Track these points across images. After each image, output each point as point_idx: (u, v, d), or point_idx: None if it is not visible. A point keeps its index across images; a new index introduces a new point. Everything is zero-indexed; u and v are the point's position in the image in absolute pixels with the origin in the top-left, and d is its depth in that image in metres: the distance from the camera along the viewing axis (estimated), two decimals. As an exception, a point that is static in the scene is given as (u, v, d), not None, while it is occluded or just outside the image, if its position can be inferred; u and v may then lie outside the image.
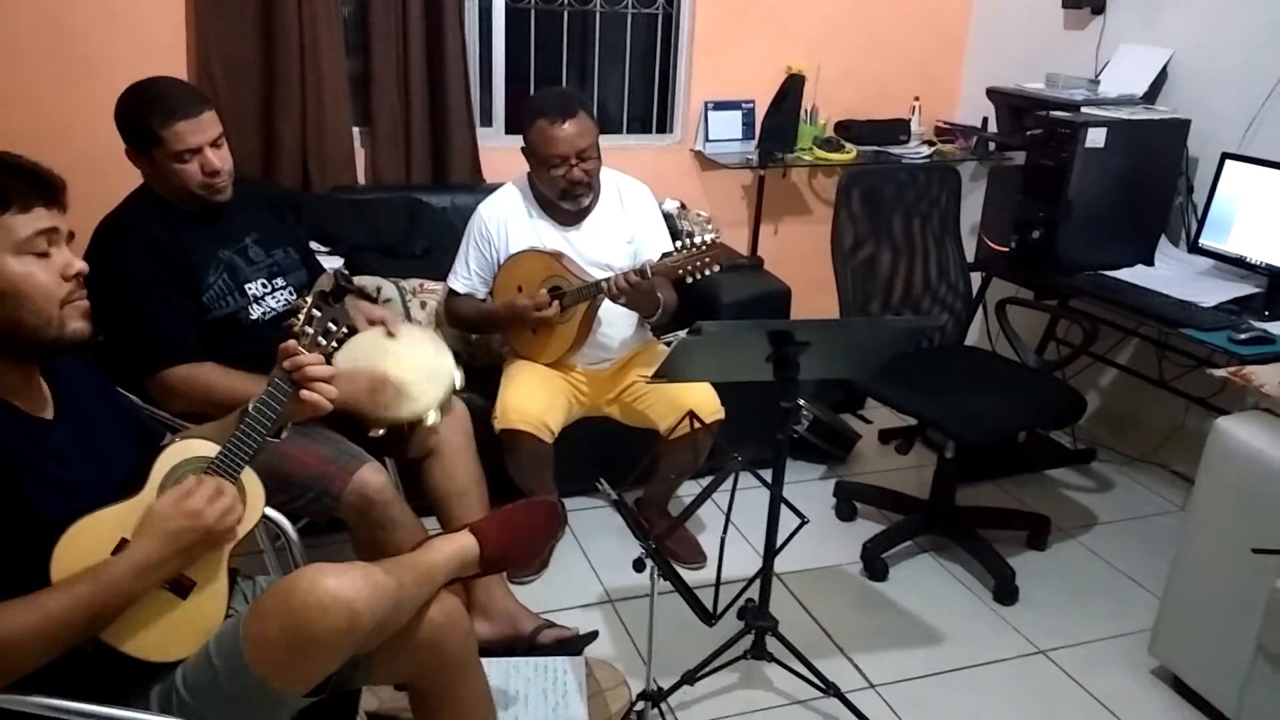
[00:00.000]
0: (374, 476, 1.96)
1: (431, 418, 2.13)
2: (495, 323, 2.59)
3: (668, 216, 2.77)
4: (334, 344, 1.55)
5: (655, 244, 2.55)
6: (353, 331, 2.16)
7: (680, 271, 2.27)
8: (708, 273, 2.26)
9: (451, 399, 2.22)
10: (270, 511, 1.80)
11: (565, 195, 2.45)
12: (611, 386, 2.61)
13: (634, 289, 2.30)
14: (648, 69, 3.66)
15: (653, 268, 2.29)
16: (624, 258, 2.55)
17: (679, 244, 2.27)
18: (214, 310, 2.00)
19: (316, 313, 1.53)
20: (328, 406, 1.49)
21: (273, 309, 2.09)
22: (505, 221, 2.53)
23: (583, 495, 2.86)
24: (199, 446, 1.46)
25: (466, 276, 2.58)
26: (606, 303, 2.42)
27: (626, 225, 2.57)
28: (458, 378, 2.20)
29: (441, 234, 3.00)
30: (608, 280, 2.34)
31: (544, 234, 2.52)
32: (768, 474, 1.96)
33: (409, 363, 2.15)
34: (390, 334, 2.19)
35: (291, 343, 1.49)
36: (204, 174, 1.95)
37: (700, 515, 2.75)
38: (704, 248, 2.24)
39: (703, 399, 2.43)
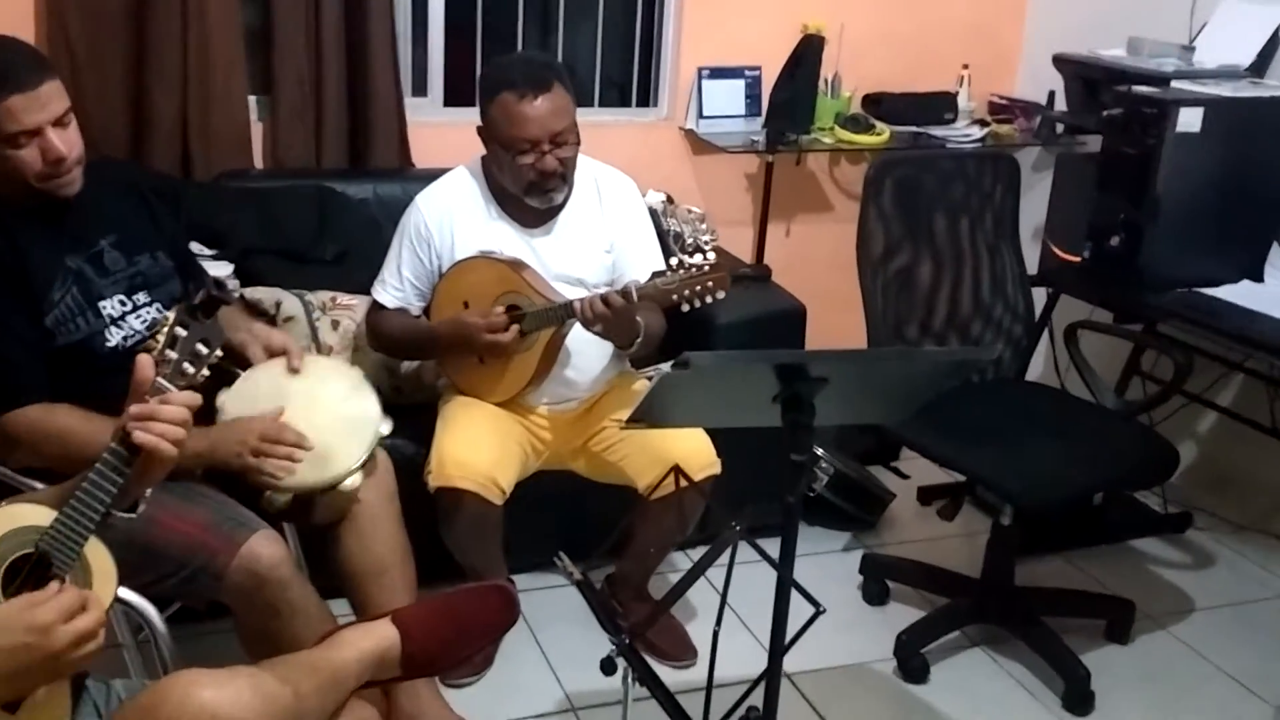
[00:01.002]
0: (267, 548, 1.94)
1: (351, 481, 2.12)
2: (433, 346, 2.58)
3: (650, 214, 2.78)
4: (204, 371, 1.53)
5: (642, 257, 2.57)
6: (234, 360, 2.15)
7: (675, 297, 2.27)
8: (708, 299, 2.26)
9: (376, 453, 2.20)
10: (128, 594, 1.79)
11: (533, 189, 2.45)
12: (579, 432, 2.60)
13: (614, 314, 2.30)
14: (627, 25, 3.68)
15: (640, 290, 2.29)
16: (600, 271, 2.55)
17: (675, 262, 2.27)
18: (60, 336, 1.98)
19: (181, 331, 1.51)
20: (169, 451, 1.46)
21: (136, 332, 2.08)
22: (450, 218, 2.53)
23: (537, 571, 2.84)
24: (29, 514, 1.44)
25: (398, 287, 2.57)
26: (576, 328, 2.42)
27: (606, 230, 2.57)
28: (383, 426, 2.18)
29: (360, 234, 3.00)
30: (581, 301, 2.34)
31: (501, 237, 2.52)
32: (774, 546, 1.96)
33: (320, 409, 2.13)
34: (294, 369, 2.17)
35: (146, 359, 1.48)
36: (45, 161, 1.93)
37: (690, 599, 2.73)
38: (706, 269, 2.24)
39: (693, 448, 2.42)
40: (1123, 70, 3.14)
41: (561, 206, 2.54)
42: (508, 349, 2.44)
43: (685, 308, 2.30)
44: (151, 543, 1.88)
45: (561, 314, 2.40)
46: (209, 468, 2.03)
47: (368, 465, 2.16)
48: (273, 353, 2.20)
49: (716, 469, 2.45)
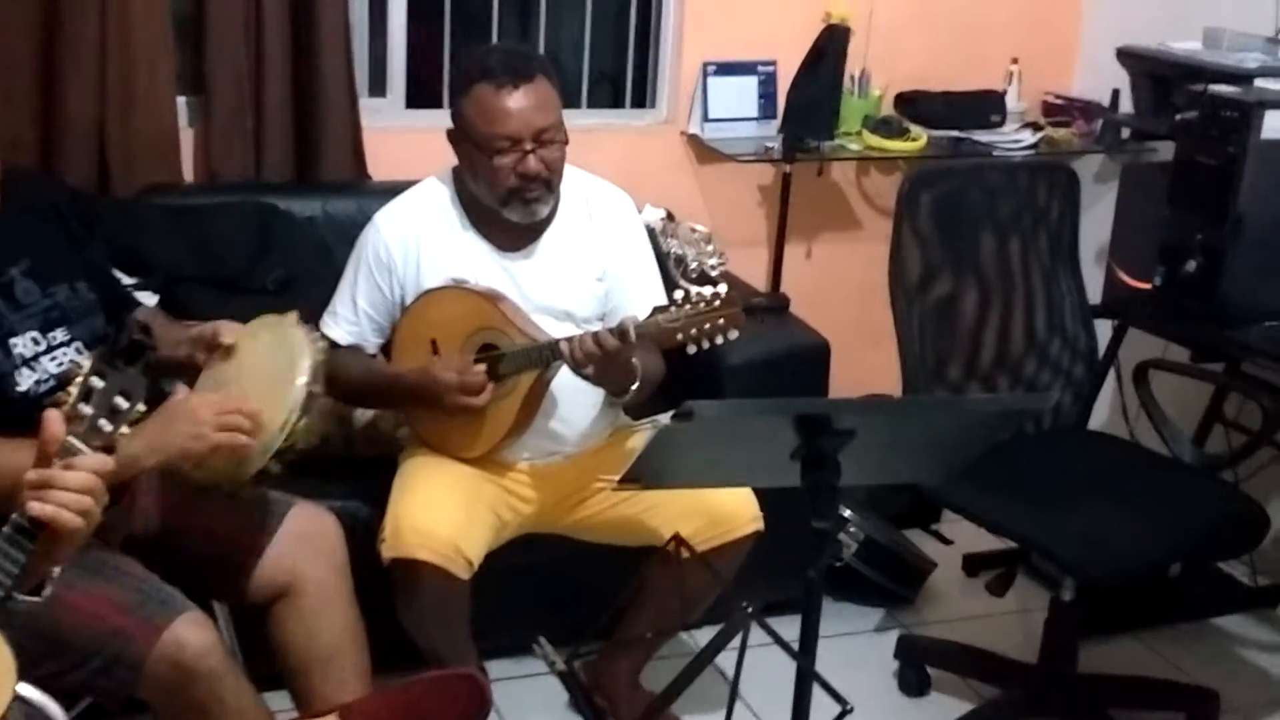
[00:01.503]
0: (194, 634, 1.93)
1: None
2: (394, 395, 2.59)
3: (648, 234, 2.79)
4: (123, 429, 1.53)
5: (640, 287, 2.57)
6: (157, 397, 2.15)
7: (679, 337, 2.26)
8: (719, 340, 2.26)
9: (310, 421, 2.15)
10: (28, 691, 1.77)
11: (513, 197, 2.46)
12: (573, 488, 2.60)
13: (606, 356, 2.30)
14: (620, 13, 3.71)
15: (639, 329, 2.29)
16: (590, 302, 2.56)
17: (679, 295, 2.27)
18: (-36, 377, 2.00)
19: (97, 381, 1.51)
20: (71, 523, 1.45)
21: (52, 375, 2.08)
22: (416, 240, 2.54)
23: (513, 657, 2.83)
24: None
25: (352, 320, 2.58)
26: (563, 371, 2.42)
27: (597, 254, 2.58)
28: (304, 368, 2.11)
29: (307, 258, 3.01)
30: (569, 341, 2.35)
31: (475, 261, 2.53)
32: (794, 626, 1.95)
33: (251, 375, 2.12)
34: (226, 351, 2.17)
35: (54, 415, 1.47)
36: None
37: (694, 691, 2.72)
38: (716, 303, 2.24)
39: (734, 497, 2.43)
40: (1199, 66, 3.15)
41: (545, 226, 2.55)
42: (482, 405, 2.43)
43: (691, 349, 2.29)
44: (54, 627, 1.86)
45: (546, 355, 2.39)
46: (161, 469, 2.02)
47: (311, 430, 2.15)
48: (213, 347, 2.19)
49: (759, 524, 2.46)
